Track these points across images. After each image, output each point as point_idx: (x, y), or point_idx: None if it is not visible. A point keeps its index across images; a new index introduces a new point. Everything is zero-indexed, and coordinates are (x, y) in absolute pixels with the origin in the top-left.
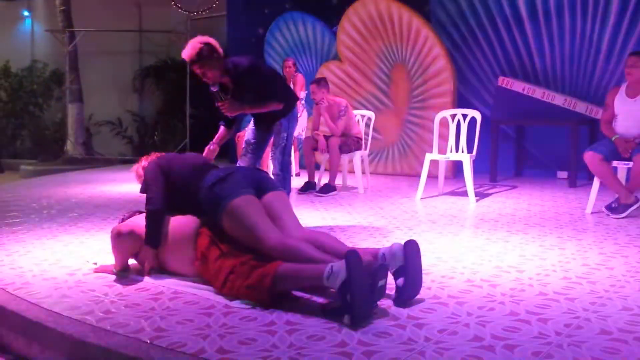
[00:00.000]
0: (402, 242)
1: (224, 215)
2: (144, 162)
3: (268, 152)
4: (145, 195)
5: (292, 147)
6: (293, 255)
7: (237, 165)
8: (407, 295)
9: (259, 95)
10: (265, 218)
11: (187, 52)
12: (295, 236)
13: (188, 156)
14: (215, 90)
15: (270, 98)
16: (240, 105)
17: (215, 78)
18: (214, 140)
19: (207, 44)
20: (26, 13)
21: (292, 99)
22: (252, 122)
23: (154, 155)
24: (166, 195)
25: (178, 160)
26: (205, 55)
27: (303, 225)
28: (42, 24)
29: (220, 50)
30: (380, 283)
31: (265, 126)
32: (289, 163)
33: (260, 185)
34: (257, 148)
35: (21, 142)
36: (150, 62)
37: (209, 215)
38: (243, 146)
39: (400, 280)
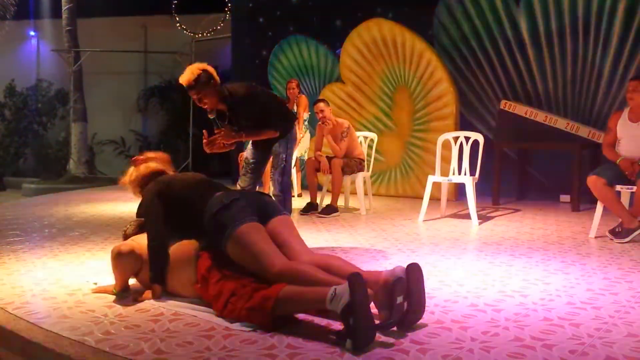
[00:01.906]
0: (405, 265)
1: (228, 243)
2: (134, 172)
3: (268, 171)
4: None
5: (295, 168)
6: (299, 279)
7: (237, 184)
8: (410, 319)
9: (255, 123)
10: (270, 245)
11: (185, 78)
12: (303, 261)
13: (187, 176)
14: (212, 117)
15: (266, 127)
16: (236, 133)
17: (211, 104)
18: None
19: (205, 71)
20: (32, 33)
21: (289, 122)
22: (250, 141)
23: (144, 161)
24: (165, 223)
25: (178, 182)
26: (202, 81)
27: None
28: (48, 44)
29: (217, 78)
30: (399, 299)
31: (263, 147)
32: (289, 184)
33: (264, 211)
34: (256, 168)
35: (24, 160)
36: (154, 83)
37: (213, 243)
38: (242, 165)
39: (404, 304)
